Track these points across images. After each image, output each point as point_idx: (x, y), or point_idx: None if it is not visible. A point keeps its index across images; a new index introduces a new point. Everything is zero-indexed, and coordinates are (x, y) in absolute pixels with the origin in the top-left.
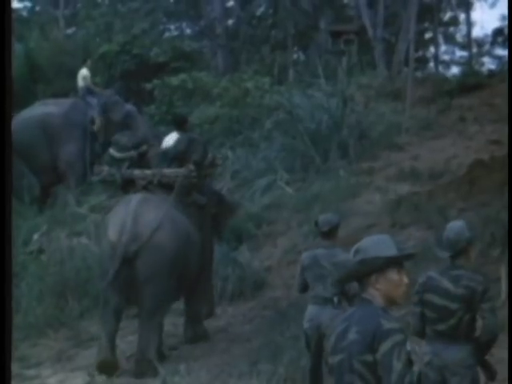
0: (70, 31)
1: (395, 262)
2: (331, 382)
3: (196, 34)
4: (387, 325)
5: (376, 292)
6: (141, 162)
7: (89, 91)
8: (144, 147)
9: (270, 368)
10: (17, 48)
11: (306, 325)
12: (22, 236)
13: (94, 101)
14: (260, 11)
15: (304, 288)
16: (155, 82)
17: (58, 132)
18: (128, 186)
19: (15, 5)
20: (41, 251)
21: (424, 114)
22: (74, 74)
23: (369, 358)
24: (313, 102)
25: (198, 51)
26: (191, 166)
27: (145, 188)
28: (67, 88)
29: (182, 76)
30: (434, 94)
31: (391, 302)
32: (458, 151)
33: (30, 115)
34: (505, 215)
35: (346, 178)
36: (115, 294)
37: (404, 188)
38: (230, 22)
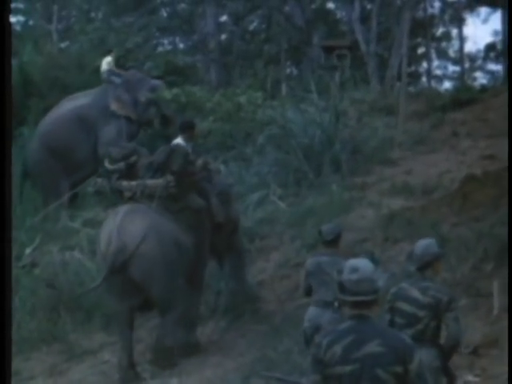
0: (63, 45)
1: None
2: None
3: (189, 48)
4: (408, 340)
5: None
6: (130, 172)
7: (112, 73)
8: (133, 158)
9: (262, 383)
10: None
11: (306, 324)
12: (15, 250)
13: (118, 80)
14: (253, 26)
15: (309, 292)
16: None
17: (95, 121)
18: (121, 196)
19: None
20: (33, 265)
21: (417, 129)
22: (67, 88)
23: (399, 369)
24: (306, 117)
25: (192, 66)
26: (169, 177)
27: (131, 199)
28: None
29: (175, 90)
30: (426, 109)
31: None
32: (450, 166)
33: (61, 112)
34: (498, 230)
35: (338, 192)
36: (119, 304)
37: (397, 203)
38: (223, 36)
